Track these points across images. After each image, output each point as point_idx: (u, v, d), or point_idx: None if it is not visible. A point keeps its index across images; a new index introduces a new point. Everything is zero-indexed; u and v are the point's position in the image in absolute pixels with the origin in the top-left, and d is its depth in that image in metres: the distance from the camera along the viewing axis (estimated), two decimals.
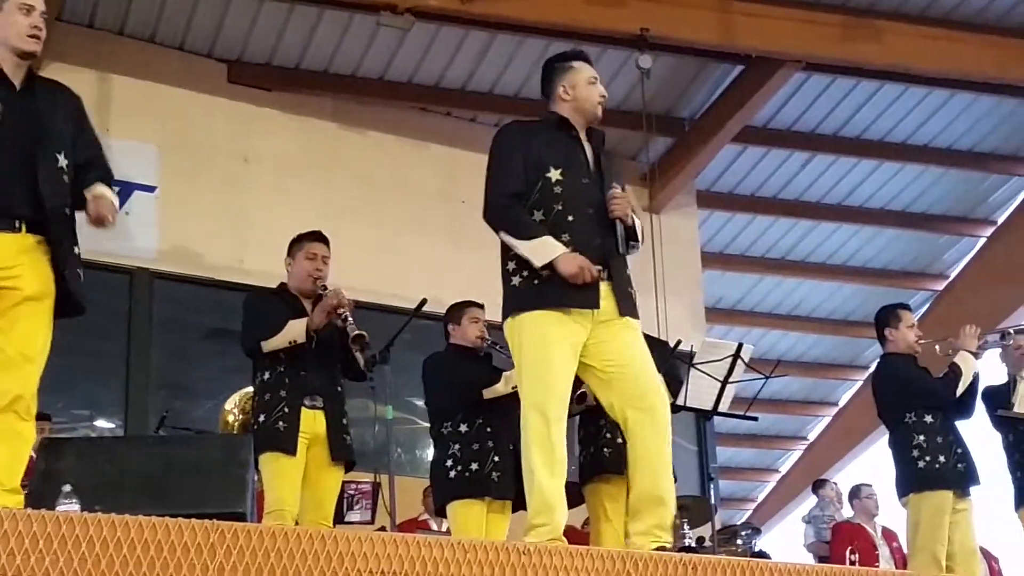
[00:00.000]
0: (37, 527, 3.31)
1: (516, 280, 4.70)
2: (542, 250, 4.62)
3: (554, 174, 4.74)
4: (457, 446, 6.35)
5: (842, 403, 15.95)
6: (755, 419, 7.72)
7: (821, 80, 11.23)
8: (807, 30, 10.23)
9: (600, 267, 4.69)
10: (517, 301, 4.70)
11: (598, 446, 6.38)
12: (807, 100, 11.52)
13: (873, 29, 10.26)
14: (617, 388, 4.70)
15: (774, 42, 10.29)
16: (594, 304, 4.62)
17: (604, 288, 4.72)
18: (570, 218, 4.70)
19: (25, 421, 4.12)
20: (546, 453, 4.61)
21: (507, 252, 4.74)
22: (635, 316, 4.79)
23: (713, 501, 8.32)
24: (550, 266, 4.60)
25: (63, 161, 4.30)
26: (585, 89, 4.91)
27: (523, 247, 4.65)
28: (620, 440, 5.94)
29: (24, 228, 4.20)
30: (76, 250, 4.33)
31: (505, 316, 4.74)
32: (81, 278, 4.31)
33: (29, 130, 4.22)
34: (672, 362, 6.68)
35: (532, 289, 4.66)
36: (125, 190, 9.68)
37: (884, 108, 11.66)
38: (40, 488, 4.24)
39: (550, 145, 4.82)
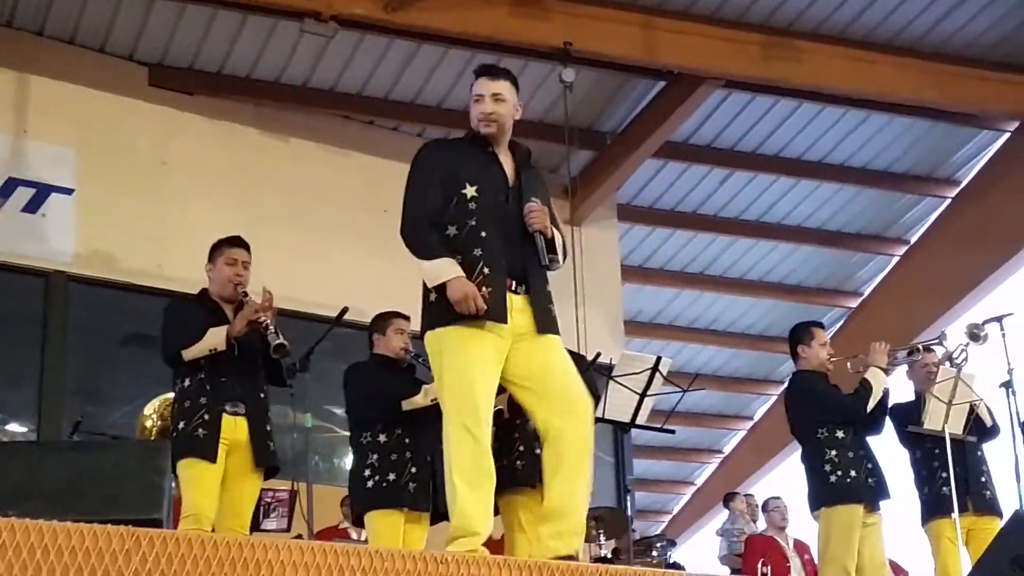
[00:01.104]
0: None
1: (433, 296, 4.76)
2: (436, 271, 4.70)
3: (470, 190, 4.80)
4: (375, 456, 6.36)
5: (757, 417, 16.11)
6: (672, 432, 7.80)
7: (741, 98, 11.37)
8: (728, 48, 10.34)
9: (517, 281, 4.75)
10: (434, 316, 4.76)
11: (511, 459, 6.41)
12: (727, 117, 11.65)
13: (793, 49, 10.41)
14: (544, 400, 4.75)
15: (695, 59, 10.40)
16: (502, 318, 4.67)
17: (521, 302, 4.77)
18: (483, 233, 4.75)
19: None
20: (467, 466, 4.63)
21: None
22: (555, 332, 4.83)
23: (629, 513, 8.37)
24: (441, 288, 4.66)
25: None
26: (472, 107, 4.95)
27: (423, 267, 4.75)
28: (536, 452, 5.95)
29: None
30: None
31: (423, 331, 4.80)
32: None
33: None
34: (590, 375, 6.73)
35: (448, 305, 4.68)
36: (42, 192, 9.58)
37: (802, 127, 11.83)
38: None
39: (467, 162, 4.87)
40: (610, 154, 11.62)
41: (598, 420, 6.82)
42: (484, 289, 4.67)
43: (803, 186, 12.65)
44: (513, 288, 4.76)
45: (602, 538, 8.55)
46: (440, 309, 4.71)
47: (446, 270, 4.69)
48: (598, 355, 7.20)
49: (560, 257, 4.92)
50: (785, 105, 11.52)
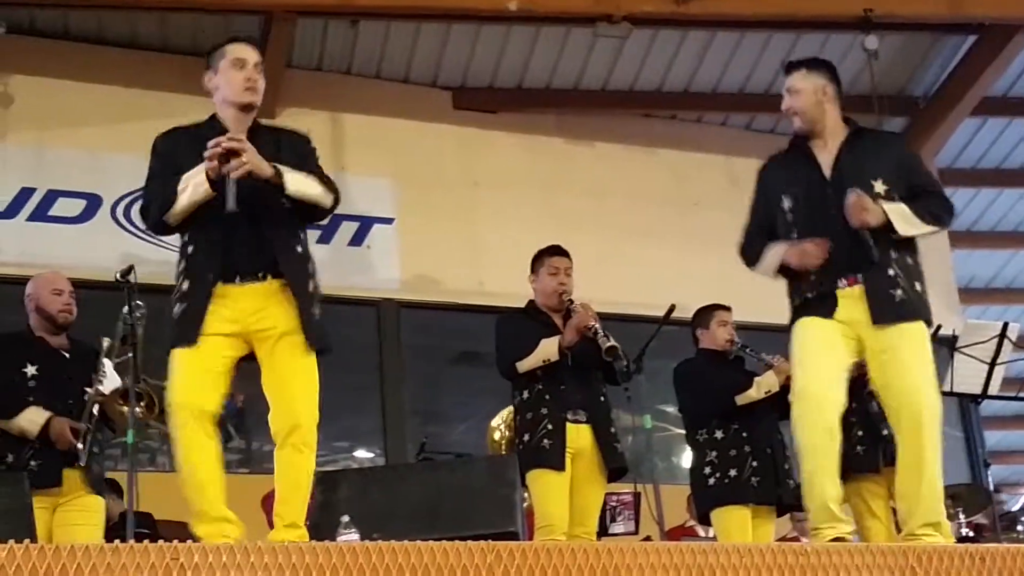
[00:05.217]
0: (323, 558, 3.41)
1: (788, 294, 4.87)
2: (770, 262, 4.80)
3: (786, 203, 4.82)
4: (714, 453, 6.33)
5: None
6: None
7: None
8: None
9: (857, 273, 4.67)
10: (791, 318, 4.85)
11: (851, 444, 6.19)
12: None
13: None
14: (886, 400, 4.67)
15: (1007, 7, 9.87)
16: (827, 314, 4.67)
17: (859, 293, 4.64)
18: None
19: (301, 453, 4.18)
20: (807, 451, 4.62)
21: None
22: (901, 319, 4.68)
23: (990, 487, 7.98)
24: (788, 283, 4.79)
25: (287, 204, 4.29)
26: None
27: (760, 271, 4.86)
28: (883, 433, 5.78)
29: (269, 276, 4.28)
30: (311, 287, 4.31)
31: None
32: (316, 316, 4.26)
33: (254, 183, 4.19)
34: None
35: (796, 307, 4.82)
36: (365, 224, 9.95)
37: None
38: (320, 520, 4.37)
39: (785, 172, 4.90)
40: (924, 119, 11.17)
41: (946, 394, 6.56)
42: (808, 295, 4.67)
43: None
44: (852, 283, 4.69)
45: (961, 516, 8.16)
46: (792, 308, 4.83)
47: (775, 253, 4.77)
48: (939, 327, 6.88)
49: (909, 228, 4.74)
50: None
